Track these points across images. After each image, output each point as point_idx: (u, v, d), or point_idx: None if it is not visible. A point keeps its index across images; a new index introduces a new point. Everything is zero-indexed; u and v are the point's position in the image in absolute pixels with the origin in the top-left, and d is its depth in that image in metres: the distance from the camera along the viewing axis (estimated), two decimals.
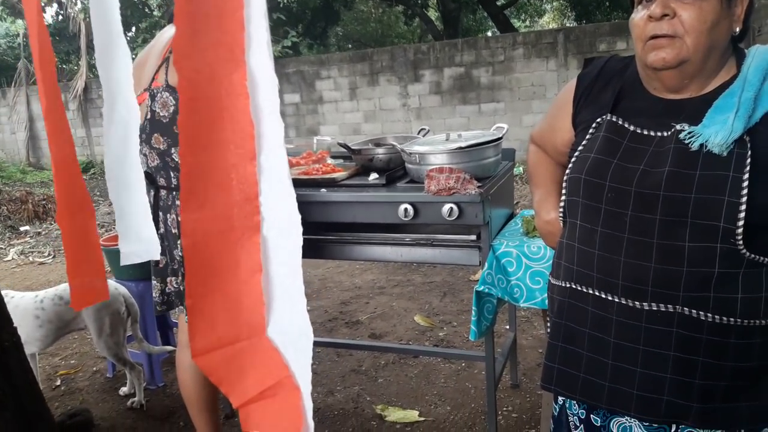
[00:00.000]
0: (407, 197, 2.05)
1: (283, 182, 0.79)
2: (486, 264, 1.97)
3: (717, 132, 0.99)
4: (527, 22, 17.55)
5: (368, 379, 2.78)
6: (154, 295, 2.04)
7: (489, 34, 15.58)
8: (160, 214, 1.95)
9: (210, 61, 0.78)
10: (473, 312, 1.95)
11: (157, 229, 1.96)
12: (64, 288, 2.55)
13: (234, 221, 0.81)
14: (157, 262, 2.01)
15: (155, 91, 1.81)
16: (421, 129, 2.68)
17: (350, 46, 15.79)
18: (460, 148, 2.05)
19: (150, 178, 1.94)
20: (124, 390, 2.80)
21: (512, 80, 8.60)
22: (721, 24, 1.02)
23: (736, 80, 1.03)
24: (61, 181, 1.35)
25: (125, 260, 1.49)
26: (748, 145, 0.98)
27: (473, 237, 2.08)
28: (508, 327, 2.70)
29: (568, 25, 14.89)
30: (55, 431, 2.13)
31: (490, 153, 2.12)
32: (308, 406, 0.81)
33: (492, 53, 8.65)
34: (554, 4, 15.79)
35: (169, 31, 1.91)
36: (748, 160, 0.97)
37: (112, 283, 2.63)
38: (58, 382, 3.01)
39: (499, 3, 12.43)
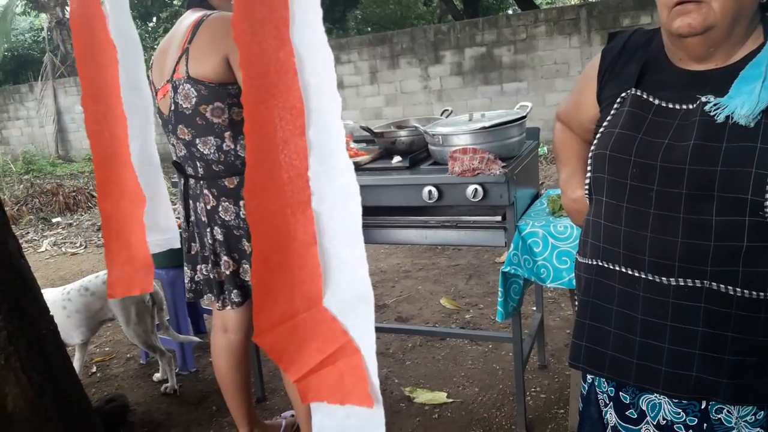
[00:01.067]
0: (431, 179, 2.04)
1: (336, 156, 0.80)
2: (512, 245, 1.96)
3: (743, 103, 0.96)
4: None
5: (396, 362, 2.80)
6: (185, 281, 2.08)
7: (509, 12, 15.33)
8: (191, 202, 1.97)
9: (259, 38, 0.80)
10: (500, 293, 1.95)
11: (188, 216, 1.99)
12: (89, 279, 2.62)
13: (288, 196, 0.83)
14: (189, 249, 2.04)
15: (177, 82, 1.82)
16: (444, 110, 2.67)
17: (369, 29, 15.69)
18: (484, 128, 2.04)
19: (179, 167, 1.96)
20: (157, 376, 2.87)
21: (535, 59, 8.47)
22: None
23: (763, 49, 1.00)
24: (104, 165, 1.35)
25: (153, 248, 1.51)
26: None
27: (498, 218, 2.07)
28: (535, 308, 2.69)
29: (590, 0, 14.59)
30: (93, 416, 2.19)
31: (514, 132, 2.10)
32: (372, 366, 0.83)
33: (513, 32, 8.52)
34: None
35: (186, 20, 1.91)
36: None
37: None
38: (94, 369, 3.09)
39: None
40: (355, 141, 2.67)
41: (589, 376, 1.25)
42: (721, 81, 1.02)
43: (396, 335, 3.01)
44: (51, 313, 2.10)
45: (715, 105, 1.00)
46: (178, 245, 1.41)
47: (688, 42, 1.04)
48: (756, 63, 0.99)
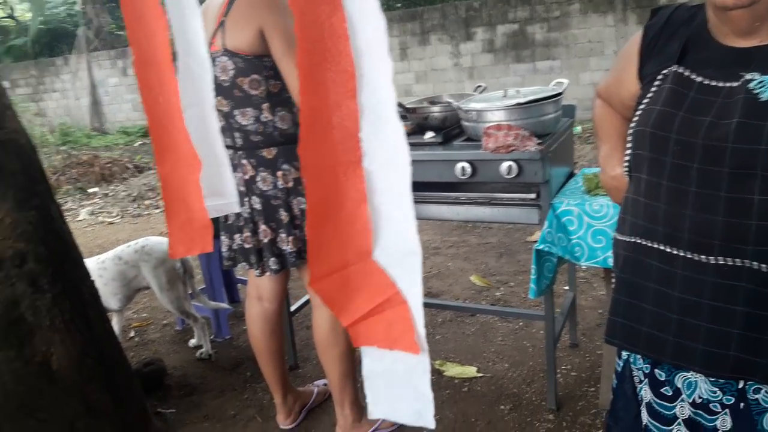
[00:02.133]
0: (464, 155, 2.05)
1: (387, 119, 0.83)
2: (546, 222, 1.96)
3: None
4: None
5: (426, 336, 2.83)
6: (222, 249, 2.13)
7: None
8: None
9: (312, 4, 0.83)
10: (533, 270, 1.95)
11: None
12: (122, 249, 2.72)
13: (340, 156, 0.87)
14: (226, 218, 2.09)
15: (214, 55, 1.85)
16: (478, 86, 2.66)
17: (399, 5, 15.51)
18: (519, 104, 2.03)
19: None
20: (192, 342, 2.95)
21: (568, 36, 8.30)
22: None
23: None
24: (159, 130, 1.39)
25: (211, 213, 1.55)
26: None
27: (533, 195, 2.06)
28: (567, 287, 2.68)
29: None
30: (132, 378, 2.28)
31: (549, 109, 2.09)
32: (418, 316, 0.88)
33: (547, 9, 8.35)
34: None
35: None
36: None
37: (166, 241, 2.76)
38: (132, 334, 3.20)
39: None
40: None
41: (624, 353, 1.26)
42: (767, 58, 1.01)
43: (426, 310, 2.99)
44: (92, 279, 2.18)
45: (759, 83, 0.99)
46: (238, 210, 1.44)
47: (733, 15, 1.02)
48: None
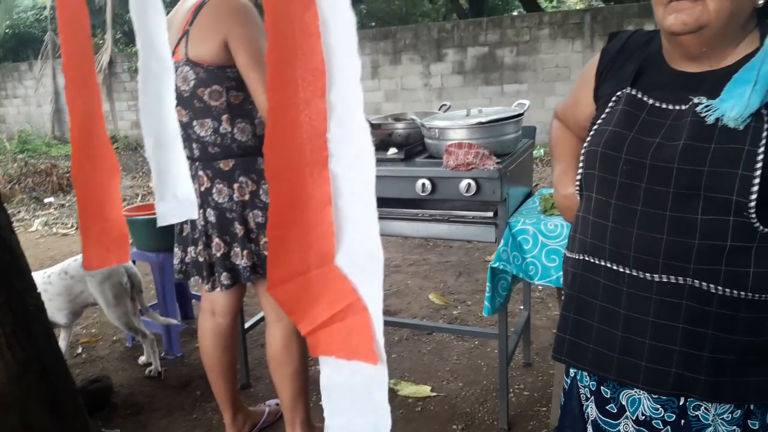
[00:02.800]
0: (425, 172, 2.05)
1: (354, 118, 0.82)
2: (502, 240, 1.97)
3: (733, 106, 0.97)
4: (554, 2, 17.23)
5: None
6: (174, 262, 2.07)
7: (515, 13, 15.34)
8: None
9: (285, 1, 0.81)
10: (487, 288, 1.95)
11: None
12: (68, 263, 2.64)
13: (306, 156, 0.85)
14: (180, 230, 2.04)
15: (176, 64, 1.82)
16: (442, 105, 2.67)
17: (373, 24, 15.66)
18: (480, 123, 2.04)
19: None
20: (142, 359, 2.86)
21: (536, 61, 8.47)
22: None
23: (757, 54, 1.01)
24: (81, 132, 1.34)
25: (162, 221, 1.48)
26: (765, 119, 0.97)
27: (490, 213, 2.07)
28: (522, 307, 2.69)
29: (595, 5, 14.59)
30: (77, 395, 2.19)
31: (510, 129, 2.11)
32: (378, 323, 0.85)
33: (517, 33, 8.52)
34: None
35: (188, 2, 1.90)
36: (765, 134, 0.96)
37: None
38: (80, 350, 3.08)
39: None
40: None
41: (571, 371, 1.26)
42: (715, 83, 1.03)
43: (384, 328, 3.00)
44: (38, 291, 2.10)
45: (706, 107, 1.01)
46: (195, 216, 1.40)
47: (681, 40, 1.04)
48: (749, 67, 1.00)
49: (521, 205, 2.19)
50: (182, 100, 1.84)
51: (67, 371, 2.16)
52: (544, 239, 1.91)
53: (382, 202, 2.21)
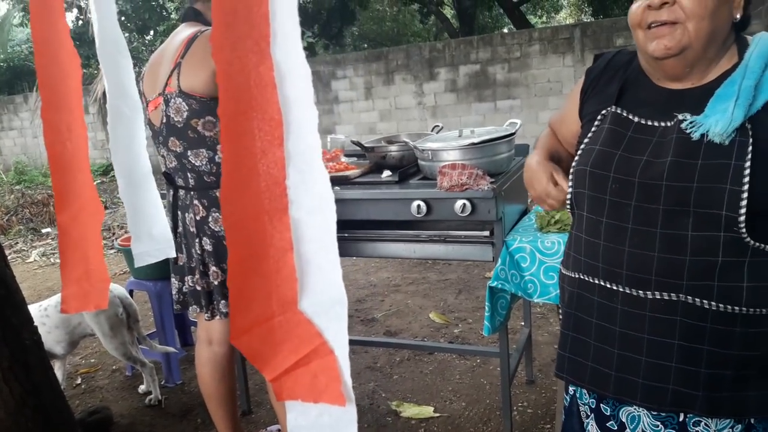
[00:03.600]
0: (420, 194, 2.05)
1: (313, 166, 0.83)
2: (499, 259, 1.97)
3: (717, 121, 0.99)
4: (543, 18, 17.44)
5: (383, 376, 2.79)
6: (173, 292, 2.07)
7: (505, 30, 15.50)
8: (179, 213, 1.98)
9: (239, 53, 0.83)
10: (486, 307, 1.95)
11: (176, 227, 2.00)
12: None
13: (265, 204, 0.86)
14: (176, 260, 2.04)
15: (169, 96, 1.84)
16: (435, 126, 2.69)
17: (366, 45, 15.81)
18: (473, 144, 2.05)
19: (169, 178, 1.98)
20: (142, 388, 2.84)
21: (528, 77, 8.54)
22: (722, 9, 1.01)
23: (737, 69, 1.02)
24: (63, 176, 1.34)
25: (139, 261, 1.50)
26: (750, 133, 0.98)
27: (486, 233, 2.07)
28: (523, 323, 2.68)
29: (584, 20, 14.76)
30: (75, 428, 2.17)
31: (503, 149, 2.12)
32: (345, 366, 0.86)
33: (508, 50, 8.60)
34: None
35: (180, 34, 1.93)
36: (750, 148, 0.97)
37: (110, 286, 2.70)
38: (79, 381, 3.06)
39: None
40: (346, 155, 2.68)
41: (571, 388, 1.26)
42: (698, 99, 1.04)
43: (384, 349, 3.00)
44: (35, 324, 2.09)
45: (690, 123, 1.03)
46: (173, 254, 1.40)
47: (664, 63, 1.06)
48: (730, 82, 1.01)
49: (517, 223, 2.19)
50: (176, 131, 1.86)
51: (65, 404, 2.15)
52: (542, 257, 1.91)
53: (379, 224, 2.24)
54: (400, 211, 2.09)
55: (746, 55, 1.03)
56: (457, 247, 2.16)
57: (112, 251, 5.53)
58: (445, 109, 9.08)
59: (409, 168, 2.28)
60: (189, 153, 1.87)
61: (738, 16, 1.04)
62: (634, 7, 1.07)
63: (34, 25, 1.26)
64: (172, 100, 1.84)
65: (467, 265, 4.18)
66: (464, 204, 1.97)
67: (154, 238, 1.40)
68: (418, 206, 2.04)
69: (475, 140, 2.06)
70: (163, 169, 2.00)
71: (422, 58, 9.13)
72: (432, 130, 2.62)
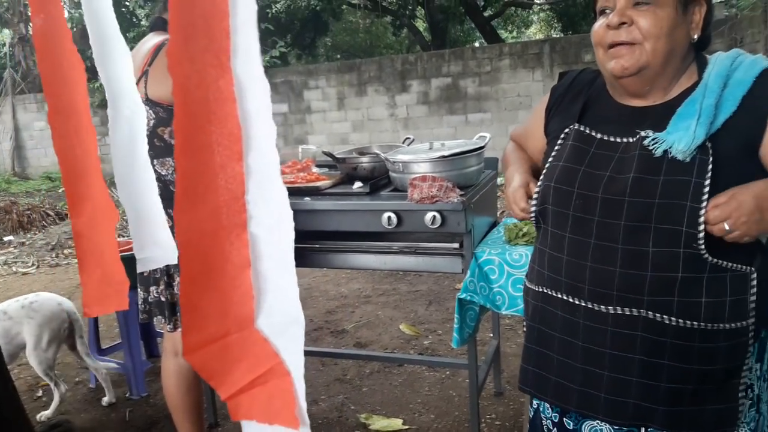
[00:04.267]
0: (390, 205, 2.06)
1: (272, 181, 0.82)
2: (468, 271, 1.99)
3: (680, 138, 1.01)
4: (514, 33, 17.72)
5: (353, 388, 2.78)
6: (138, 303, 2.04)
7: (476, 44, 15.70)
8: None
9: (198, 67, 0.82)
10: (456, 319, 1.96)
11: None
12: (8, 304, 2.59)
13: (223, 219, 0.85)
14: (142, 271, 2.01)
15: None
16: (406, 138, 2.71)
17: (339, 56, 15.84)
18: (443, 156, 2.07)
19: None
20: (105, 400, 2.78)
21: (498, 91, 8.67)
22: (678, 30, 1.05)
23: (697, 87, 1.06)
24: (75, 181, 1.32)
25: (142, 267, 1.45)
26: (710, 152, 1.01)
27: (456, 245, 2.09)
28: (492, 335, 2.71)
29: (554, 36, 15.05)
30: None
31: (472, 162, 2.15)
32: (300, 388, 0.85)
33: (479, 64, 8.72)
34: (541, 15, 15.96)
35: (148, 42, 1.92)
36: (710, 167, 1.00)
37: (57, 299, 2.66)
38: (40, 393, 2.98)
39: (486, 14, 12.54)
40: (318, 166, 2.68)
41: (535, 401, 1.27)
42: (659, 117, 1.07)
43: (354, 361, 2.99)
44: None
45: (653, 139, 1.05)
46: (175, 261, 1.38)
47: (624, 81, 1.09)
48: (691, 101, 1.04)
49: (486, 235, 2.22)
50: None
51: (24, 417, 2.09)
52: (510, 269, 1.94)
53: (349, 235, 2.24)
54: (371, 222, 2.10)
55: (705, 74, 1.06)
56: (427, 258, 2.17)
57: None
58: (417, 120, 9.15)
59: (380, 179, 2.29)
60: (155, 162, 1.86)
61: (696, 37, 1.08)
62: (596, 26, 1.11)
63: (36, 31, 1.24)
64: None
65: (438, 276, 4.20)
66: (434, 216, 1.98)
67: (158, 243, 1.38)
68: (389, 218, 2.05)
69: (446, 153, 2.09)
70: None
71: (395, 70, 9.20)
72: (403, 142, 2.64)
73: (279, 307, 0.84)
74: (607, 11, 1.08)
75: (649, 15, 1.03)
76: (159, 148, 1.85)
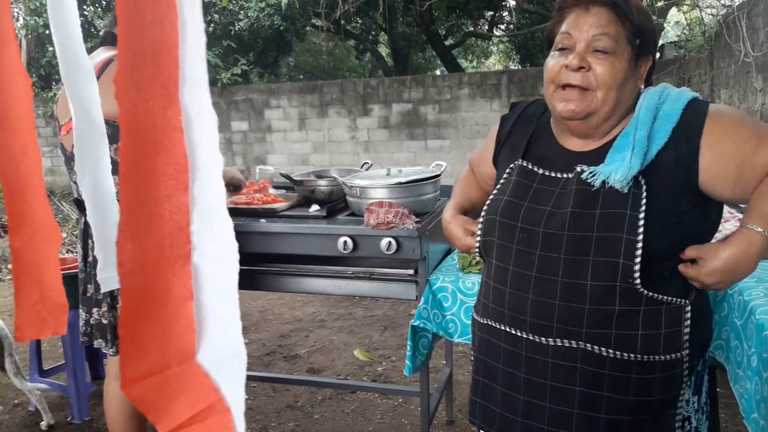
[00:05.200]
0: (347, 230, 2.06)
1: (218, 212, 0.81)
2: (422, 298, 2.00)
3: (617, 168, 1.05)
4: (474, 63, 18.11)
5: (304, 415, 2.73)
6: (80, 324, 1.97)
7: (437, 72, 15.98)
8: (90, 242, 1.91)
9: (146, 95, 0.81)
10: (408, 347, 1.96)
11: (86, 257, 1.92)
12: None
13: (166, 250, 0.83)
14: (84, 291, 1.95)
15: None
16: (364, 163, 2.72)
17: (301, 77, 15.88)
18: (400, 183, 2.09)
19: (80, 205, 1.91)
20: (43, 424, 2.66)
21: (458, 118, 8.82)
22: (629, 82, 1.09)
23: (629, 121, 1.10)
24: (17, 200, 1.27)
25: (105, 286, 1.41)
26: (643, 186, 1.05)
27: (411, 271, 2.10)
28: (444, 362, 2.71)
29: (512, 67, 15.45)
30: None
31: (428, 189, 2.17)
32: (240, 426, 0.83)
33: (439, 91, 8.87)
34: (500, 46, 16.37)
35: (97, 57, 1.89)
36: (644, 201, 1.04)
37: None
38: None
39: (447, 43, 12.80)
40: (275, 187, 2.67)
41: None
42: (598, 157, 1.11)
43: (306, 387, 2.94)
44: None
45: (591, 173, 1.09)
46: None
47: (570, 123, 1.13)
48: (624, 134, 1.09)
49: (441, 262, 2.24)
50: None
51: None
52: (463, 297, 1.95)
53: (304, 258, 2.22)
54: (327, 246, 2.09)
55: (636, 108, 1.11)
56: (382, 284, 2.17)
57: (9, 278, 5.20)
58: (377, 144, 9.21)
59: (337, 203, 2.29)
60: None
61: (642, 87, 1.13)
62: (551, 63, 1.12)
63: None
64: None
65: (393, 301, 4.20)
66: (390, 242, 1.99)
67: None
68: (345, 242, 2.04)
69: (402, 180, 2.10)
70: (75, 196, 1.93)
71: (357, 93, 9.26)
72: (361, 167, 2.65)
73: (220, 341, 0.83)
74: (566, 50, 1.10)
75: (606, 64, 1.06)
76: None
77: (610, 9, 1.07)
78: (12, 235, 1.37)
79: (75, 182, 1.89)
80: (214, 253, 0.80)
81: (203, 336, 0.83)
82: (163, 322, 0.83)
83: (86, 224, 1.92)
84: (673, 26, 13.01)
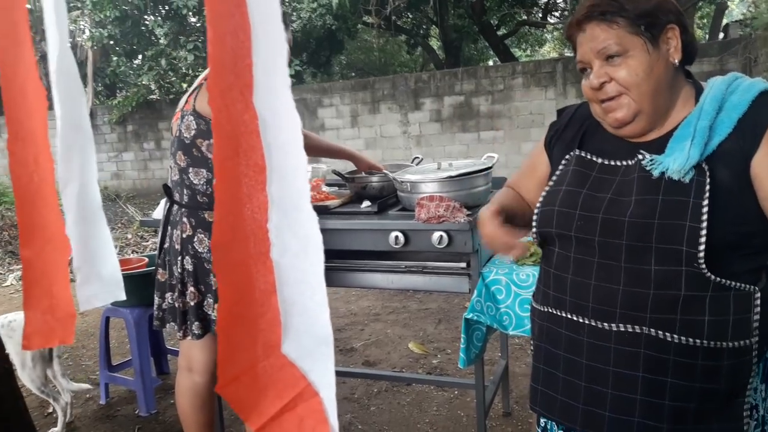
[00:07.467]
0: (398, 225, 2.07)
1: (301, 209, 0.84)
2: (475, 291, 1.99)
3: (675, 159, 1.03)
4: (528, 51, 17.77)
5: (360, 407, 2.77)
6: (154, 308, 2.09)
7: (490, 63, 15.77)
8: (169, 228, 2.03)
9: (227, 102, 0.86)
10: (462, 339, 1.96)
11: (164, 243, 2.03)
12: None
13: (250, 249, 0.87)
14: (159, 276, 2.07)
15: (184, 113, 1.98)
16: (415, 157, 2.73)
17: (353, 74, 15.99)
18: (450, 176, 2.08)
19: (168, 191, 2.05)
20: (55, 430, 2.71)
21: (511, 109, 8.68)
22: (656, 66, 1.06)
23: (693, 111, 1.07)
24: (30, 210, 1.32)
25: (85, 305, 1.38)
26: (707, 173, 1.02)
27: (463, 264, 2.09)
28: (500, 355, 2.69)
29: (567, 54, 15.09)
30: None
31: (480, 182, 2.15)
32: (331, 407, 0.86)
33: (491, 82, 8.76)
34: (554, 34, 16.00)
35: None
36: (708, 187, 1.01)
37: None
38: (51, 410, 3.00)
39: (499, 33, 12.61)
40: (327, 184, 2.71)
41: (542, 420, 1.28)
42: (660, 146, 1.09)
43: (362, 380, 2.98)
44: (6, 352, 2.06)
45: (651, 161, 1.07)
46: (123, 298, 1.35)
47: (623, 131, 1.11)
48: (686, 124, 1.06)
49: (494, 255, 2.22)
50: (183, 146, 1.96)
51: None
52: (517, 289, 1.93)
53: (357, 254, 2.25)
54: (379, 241, 2.11)
55: (701, 98, 1.08)
56: (435, 278, 2.17)
57: None
58: (429, 138, 9.18)
59: (388, 199, 2.31)
60: (191, 170, 1.96)
61: (677, 60, 1.08)
62: (583, 85, 1.14)
63: (1, 57, 1.26)
64: (186, 117, 1.96)
65: (447, 294, 4.19)
66: (441, 236, 1.99)
67: (104, 279, 1.35)
68: (396, 237, 2.06)
69: (453, 173, 2.10)
70: (167, 182, 2.09)
71: (408, 88, 9.26)
72: (412, 162, 2.66)
73: (305, 330, 0.86)
74: (588, 70, 1.11)
75: (623, 67, 1.06)
76: (196, 158, 1.96)
77: (600, 19, 1.07)
78: (23, 244, 1.39)
79: (170, 167, 2.06)
80: (297, 248, 0.84)
81: (288, 327, 0.87)
82: (252, 319, 0.88)
83: (169, 210, 2.04)
84: (738, 4, 12.39)
